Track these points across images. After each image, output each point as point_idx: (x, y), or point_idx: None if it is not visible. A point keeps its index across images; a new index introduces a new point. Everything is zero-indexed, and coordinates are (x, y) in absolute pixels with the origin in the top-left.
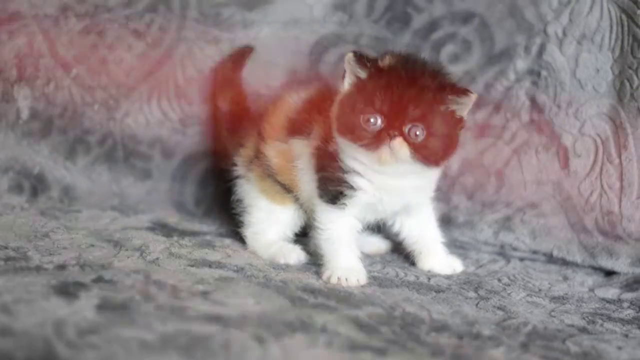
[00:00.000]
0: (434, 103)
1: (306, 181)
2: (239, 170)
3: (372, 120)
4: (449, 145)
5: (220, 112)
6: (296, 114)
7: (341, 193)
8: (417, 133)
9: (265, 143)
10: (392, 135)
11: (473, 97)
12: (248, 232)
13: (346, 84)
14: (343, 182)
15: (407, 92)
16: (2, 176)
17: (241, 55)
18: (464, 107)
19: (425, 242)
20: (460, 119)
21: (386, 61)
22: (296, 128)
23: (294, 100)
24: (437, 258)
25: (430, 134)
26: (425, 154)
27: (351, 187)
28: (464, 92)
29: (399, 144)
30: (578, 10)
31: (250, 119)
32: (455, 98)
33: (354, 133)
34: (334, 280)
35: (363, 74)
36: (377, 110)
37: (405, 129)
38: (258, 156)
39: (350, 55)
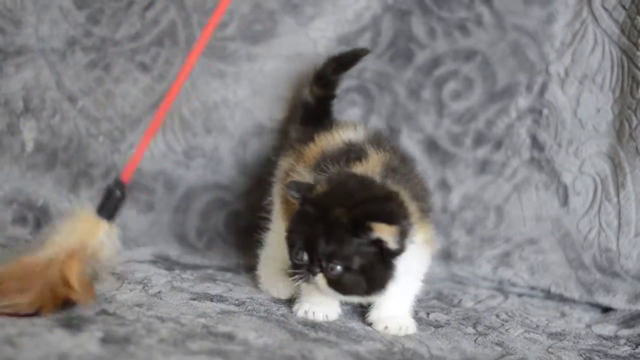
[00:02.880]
0: (345, 239)
1: None
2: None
3: (299, 254)
4: (372, 279)
5: (302, 103)
6: (329, 153)
7: None
8: (334, 268)
9: (296, 167)
10: (313, 272)
11: (390, 229)
12: (262, 254)
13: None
14: None
15: (317, 228)
16: (6, 208)
17: (352, 57)
18: (391, 239)
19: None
20: (391, 251)
21: (317, 190)
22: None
23: (338, 138)
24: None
25: (347, 269)
26: (342, 289)
27: None
28: (370, 228)
29: (319, 279)
30: (580, 51)
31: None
32: (371, 233)
33: (292, 262)
34: (301, 314)
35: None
36: (299, 247)
37: (324, 265)
38: (285, 178)
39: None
